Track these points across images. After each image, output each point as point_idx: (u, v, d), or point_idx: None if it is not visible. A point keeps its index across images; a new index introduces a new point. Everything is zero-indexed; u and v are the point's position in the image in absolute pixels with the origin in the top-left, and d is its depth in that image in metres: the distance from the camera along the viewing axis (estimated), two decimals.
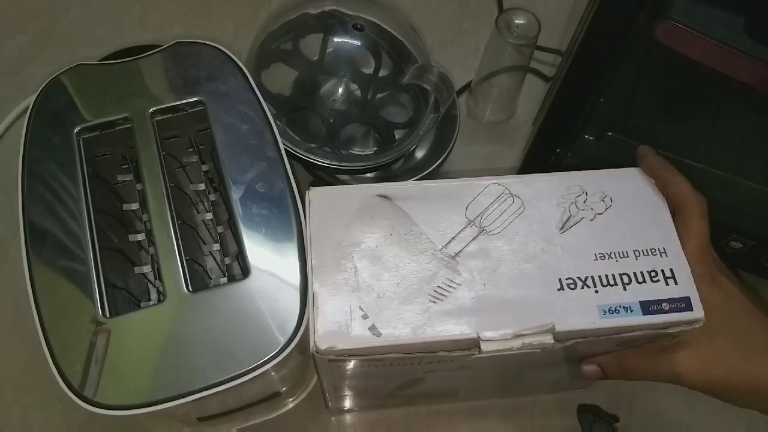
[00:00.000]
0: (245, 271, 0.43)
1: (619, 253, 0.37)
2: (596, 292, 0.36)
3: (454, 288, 0.36)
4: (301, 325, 0.40)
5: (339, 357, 0.35)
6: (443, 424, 0.53)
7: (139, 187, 0.49)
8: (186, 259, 0.43)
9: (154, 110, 0.49)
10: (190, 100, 0.49)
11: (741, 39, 0.41)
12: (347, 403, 0.50)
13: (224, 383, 0.39)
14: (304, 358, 0.45)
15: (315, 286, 0.36)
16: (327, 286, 0.36)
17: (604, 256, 0.37)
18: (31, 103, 0.49)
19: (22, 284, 0.42)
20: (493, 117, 0.70)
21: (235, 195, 0.45)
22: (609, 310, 0.36)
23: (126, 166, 0.52)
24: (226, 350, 0.40)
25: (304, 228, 0.39)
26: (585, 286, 0.36)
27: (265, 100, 0.49)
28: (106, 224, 0.48)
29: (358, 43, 0.62)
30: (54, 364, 0.40)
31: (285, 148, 0.48)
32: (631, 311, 0.36)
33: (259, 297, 0.42)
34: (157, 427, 0.52)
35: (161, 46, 0.52)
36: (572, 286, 0.36)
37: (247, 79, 0.50)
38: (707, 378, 0.38)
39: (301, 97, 0.62)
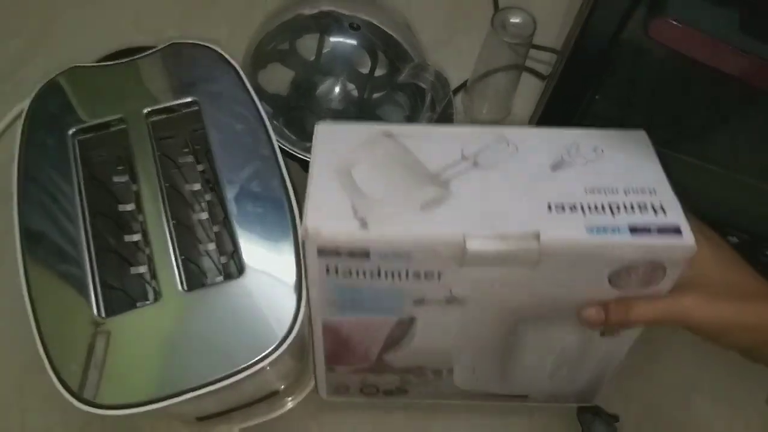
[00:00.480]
0: (240, 270, 0.43)
1: (608, 189, 0.39)
2: (584, 215, 0.37)
3: (444, 202, 0.38)
4: (296, 320, 0.41)
5: (327, 246, 0.36)
6: (442, 426, 0.53)
7: (134, 187, 0.49)
8: (182, 259, 0.44)
9: (149, 111, 0.49)
10: (184, 101, 0.49)
11: (737, 35, 0.41)
12: (335, 379, 0.49)
13: (222, 380, 0.39)
14: (302, 356, 0.45)
15: (311, 189, 0.38)
16: (323, 190, 0.38)
17: (594, 191, 0.39)
18: (27, 106, 0.49)
19: (18, 287, 0.42)
20: (490, 116, 0.69)
21: (230, 194, 0.45)
22: (596, 230, 0.37)
23: (122, 167, 0.52)
24: (222, 347, 0.40)
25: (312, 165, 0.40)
26: (573, 210, 0.37)
27: (261, 100, 0.50)
28: (102, 225, 0.47)
29: (355, 43, 0.62)
30: (50, 365, 0.40)
31: (282, 148, 0.48)
32: (619, 231, 0.36)
33: (254, 294, 0.42)
34: (157, 428, 0.52)
35: (156, 47, 0.52)
36: (560, 210, 0.37)
37: (242, 79, 0.50)
38: (712, 314, 0.39)
39: (297, 96, 0.62)
